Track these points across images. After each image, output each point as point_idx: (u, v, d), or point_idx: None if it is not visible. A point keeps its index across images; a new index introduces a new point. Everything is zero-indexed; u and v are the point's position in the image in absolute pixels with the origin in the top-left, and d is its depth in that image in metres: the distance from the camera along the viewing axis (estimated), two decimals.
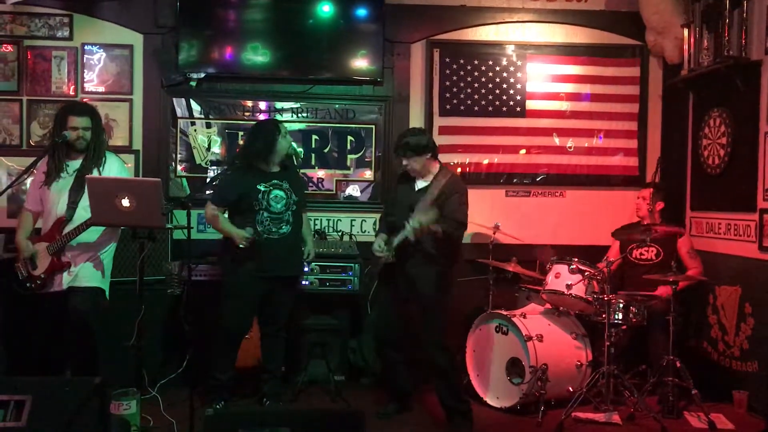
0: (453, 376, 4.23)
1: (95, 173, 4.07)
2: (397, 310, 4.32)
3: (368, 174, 5.49)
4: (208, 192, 5.29)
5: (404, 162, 4.17)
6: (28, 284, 4.06)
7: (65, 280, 4.03)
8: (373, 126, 5.46)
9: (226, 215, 4.33)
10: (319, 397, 4.73)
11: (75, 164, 4.12)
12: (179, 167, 5.36)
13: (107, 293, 4.16)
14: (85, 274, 4.06)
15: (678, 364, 4.34)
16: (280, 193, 4.30)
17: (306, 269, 4.78)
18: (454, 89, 5.47)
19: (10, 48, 5.21)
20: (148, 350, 4.19)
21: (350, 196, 5.49)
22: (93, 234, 4.06)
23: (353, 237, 5.36)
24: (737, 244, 4.75)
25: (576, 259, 4.64)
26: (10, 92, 5.21)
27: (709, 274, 4.94)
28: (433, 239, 4.02)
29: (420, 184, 4.22)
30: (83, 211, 3.98)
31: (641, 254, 4.98)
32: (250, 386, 4.65)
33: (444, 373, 4.16)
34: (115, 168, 4.20)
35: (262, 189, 4.26)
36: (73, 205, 4.03)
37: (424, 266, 4.12)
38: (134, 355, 3.94)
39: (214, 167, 5.37)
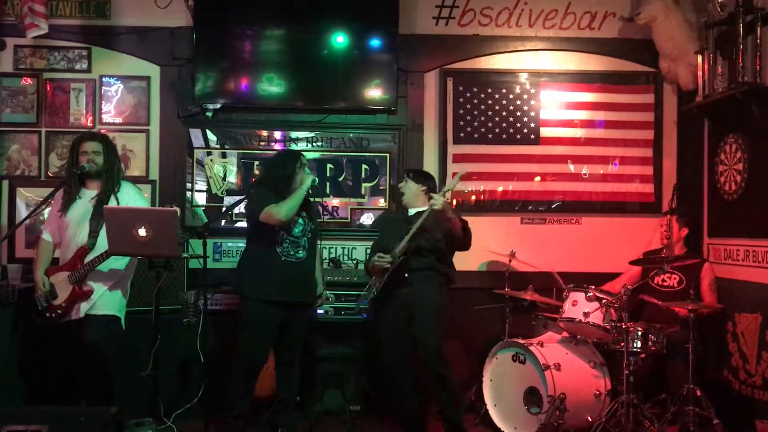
0: (453, 386, 4.31)
1: (113, 201, 4.09)
2: (401, 335, 4.34)
3: (382, 202, 5.49)
4: (223, 222, 5.34)
5: (399, 184, 4.63)
6: (47, 314, 4.08)
7: (83, 308, 4.04)
8: (388, 154, 5.48)
9: None
10: (334, 427, 4.70)
11: (90, 193, 4.15)
12: (195, 197, 5.40)
13: (123, 322, 4.16)
14: (103, 302, 4.07)
15: (698, 393, 4.26)
16: (298, 218, 4.32)
17: (319, 311, 4.82)
18: (468, 117, 5.48)
19: (30, 81, 5.30)
20: (164, 380, 4.18)
21: (365, 225, 5.50)
22: (115, 262, 4.08)
23: None
24: (757, 270, 4.69)
25: (593, 287, 4.60)
26: (29, 124, 5.30)
27: (728, 301, 4.87)
28: (437, 248, 4.27)
29: (413, 210, 4.44)
30: (104, 239, 3.97)
31: (663, 281, 4.91)
32: (265, 416, 4.63)
33: (444, 382, 4.25)
34: (131, 195, 4.23)
35: None
36: (94, 234, 4.05)
37: (421, 283, 4.28)
38: (150, 385, 3.93)
39: (230, 197, 5.40)
